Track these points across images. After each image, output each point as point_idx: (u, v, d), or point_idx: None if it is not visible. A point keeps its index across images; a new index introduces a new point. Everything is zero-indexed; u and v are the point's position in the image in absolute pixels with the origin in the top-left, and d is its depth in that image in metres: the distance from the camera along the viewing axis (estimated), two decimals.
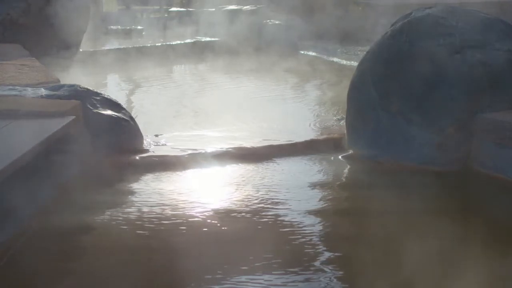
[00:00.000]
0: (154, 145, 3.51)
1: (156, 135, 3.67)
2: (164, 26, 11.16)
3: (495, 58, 3.20)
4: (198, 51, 8.34)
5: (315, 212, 2.70)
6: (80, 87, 3.53)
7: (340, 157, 3.47)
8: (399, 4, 7.96)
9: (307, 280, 2.10)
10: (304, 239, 2.40)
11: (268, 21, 9.18)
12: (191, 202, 2.79)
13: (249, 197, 2.84)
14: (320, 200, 2.89)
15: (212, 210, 2.69)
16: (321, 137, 3.79)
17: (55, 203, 2.66)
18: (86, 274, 2.16)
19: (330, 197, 2.96)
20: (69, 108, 3.14)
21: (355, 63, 5.20)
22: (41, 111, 3.09)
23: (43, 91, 3.49)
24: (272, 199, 2.82)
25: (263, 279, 2.09)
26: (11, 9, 6.37)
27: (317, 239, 2.42)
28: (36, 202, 2.55)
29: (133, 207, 2.73)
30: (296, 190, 2.96)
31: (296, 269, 2.16)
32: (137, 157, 3.31)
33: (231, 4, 10.33)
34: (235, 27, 8.75)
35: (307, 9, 9.51)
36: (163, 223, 2.55)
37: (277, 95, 5.83)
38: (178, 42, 8.82)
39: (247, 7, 9.94)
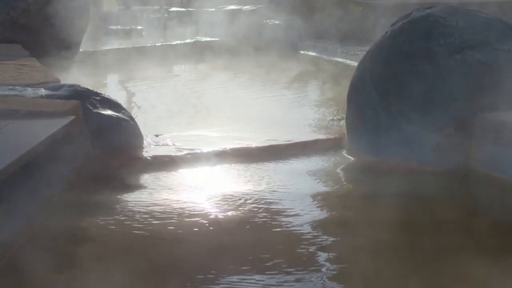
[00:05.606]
0: (154, 145, 3.51)
1: (156, 135, 3.67)
2: (164, 26, 11.15)
3: (495, 58, 3.20)
4: (198, 51, 8.34)
5: (315, 210, 2.70)
6: (80, 87, 3.53)
7: (340, 157, 3.47)
8: (399, 4, 7.96)
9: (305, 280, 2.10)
10: (302, 237, 2.41)
11: (268, 21, 9.17)
12: (191, 201, 2.79)
13: (250, 195, 2.84)
14: (319, 199, 2.89)
15: (213, 207, 2.69)
16: (321, 137, 3.80)
17: (56, 203, 2.66)
18: (87, 273, 2.16)
19: (329, 197, 2.96)
20: (69, 108, 3.13)
21: (355, 63, 5.20)
22: (41, 111, 3.08)
23: (43, 91, 3.49)
24: (272, 198, 2.82)
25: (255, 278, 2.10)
26: (11, 9, 6.36)
27: (316, 235, 2.42)
28: (37, 202, 2.55)
29: (133, 206, 2.73)
30: (295, 190, 2.96)
31: (294, 269, 2.16)
32: (137, 157, 3.31)
33: (231, 4, 10.32)
34: (235, 27, 8.74)
35: (307, 9, 9.50)
36: (166, 222, 2.55)
37: (277, 95, 5.82)
38: (178, 42, 8.81)
39: (247, 7, 9.94)
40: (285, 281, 2.08)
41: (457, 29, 3.29)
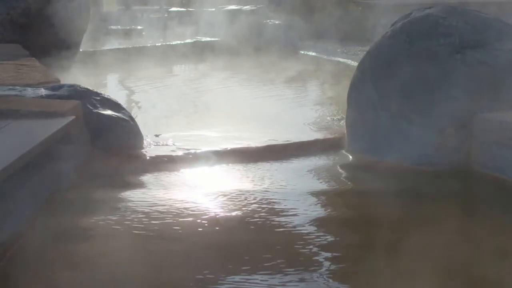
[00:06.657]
0: (154, 145, 3.51)
1: (156, 135, 3.67)
2: (164, 26, 11.14)
3: (495, 58, 3.20)
4: (198, 51, 8.33)
5: (316, 210, 2.70)
6: (80, 87, 3.53)
7: (339, 156, 3.47)
8: (399, 4, 7.97)
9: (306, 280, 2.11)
10: (304, 236, 2.41)
11: (268, 21, 9.17)
12: (192, 200, 2.79)
13: (251, 195, 2.84)
14: (320, 198, 2.89)
15: (214, 207, 2.69)
16: (320, 137, 3.80)
17: (56, 203, 2.66)
18: (87, 272, 2.16)
19: (330, 196, 2.96)
20: (69, 108, 3.14)
21: (355, 63, 5.20)
22: (41, 111, 3.09)
23: (43, 91, 3.49)
24: (273, 197, 2.82)
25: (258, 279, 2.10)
26: (11, 9, 6.35)
27: (317, 235, 2.42)
28: (37, 201, 2.55)
29: (133, 206, 2.73)
30: (296, 189, 2.96)
31: (293, 269, 2.16)
32: (137, 157, 3.31)
33: (231, 4, 10.32)
34: (235, 27, 8.74)
35: (307, 9, 9.51)
36: (166, 221, 2.55)
37: (277, 95, 5.83)
38: (178, 42, 8.81)
39: (247, 7, 9.93)
40: (289, 281, 2.08)
41: (457, 29, 3.29)
